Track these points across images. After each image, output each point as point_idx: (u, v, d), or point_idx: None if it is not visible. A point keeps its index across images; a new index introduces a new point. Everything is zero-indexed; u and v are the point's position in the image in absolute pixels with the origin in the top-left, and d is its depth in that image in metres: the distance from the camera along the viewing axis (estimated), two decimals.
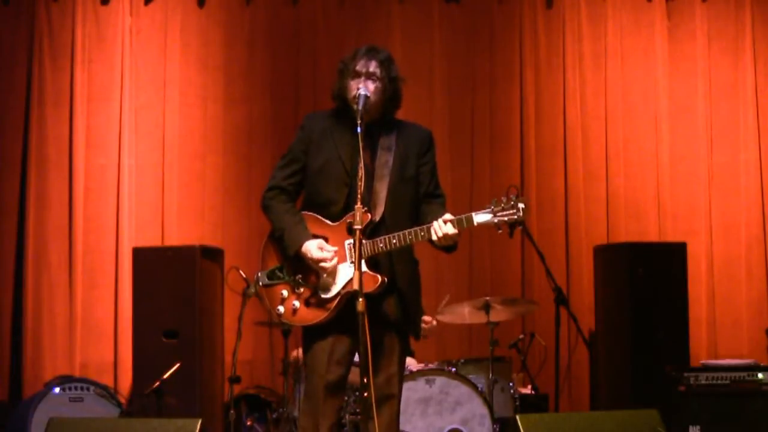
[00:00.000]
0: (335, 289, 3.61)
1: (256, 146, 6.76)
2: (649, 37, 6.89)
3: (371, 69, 3.66)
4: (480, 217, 3.52)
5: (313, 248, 3.59)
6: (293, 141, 3.80)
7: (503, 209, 3.50)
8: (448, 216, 3.53)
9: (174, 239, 6.52)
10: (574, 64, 6.86)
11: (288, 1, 6.88)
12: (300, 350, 5.07)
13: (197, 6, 6.82)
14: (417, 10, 6.92)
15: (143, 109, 6.71)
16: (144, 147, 6.69)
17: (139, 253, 5.85)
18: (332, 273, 3.61)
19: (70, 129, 6.63)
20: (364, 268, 3.54)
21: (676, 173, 6.81)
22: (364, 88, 3.61)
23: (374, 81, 3.66)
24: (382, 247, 3.57)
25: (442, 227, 3.50)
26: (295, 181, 3.76)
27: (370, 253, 3.57)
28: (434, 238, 3.52)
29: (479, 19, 6.92)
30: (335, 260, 3.60)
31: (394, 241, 3.56)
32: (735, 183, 6.79)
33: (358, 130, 3.52)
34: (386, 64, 3.70)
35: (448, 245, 3.57)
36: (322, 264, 3.59)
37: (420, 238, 3.56)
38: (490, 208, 3.52)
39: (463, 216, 3.53)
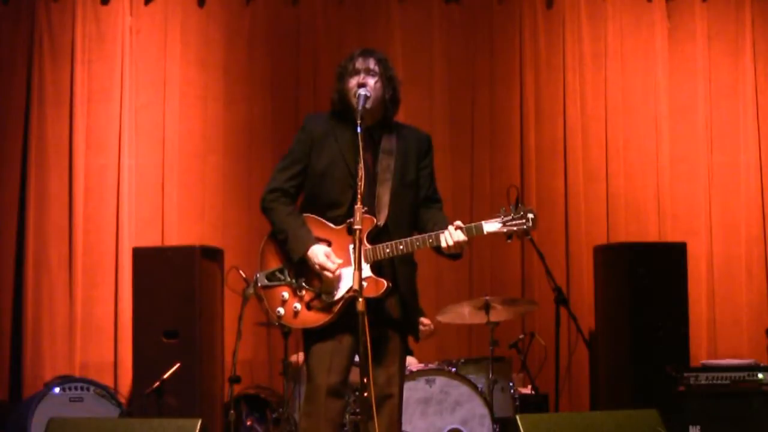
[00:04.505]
0: (339, 293, 3.61)
1: (256, 146, 6.76)
2: (649, 37, 6.89)
3: (371, 66, 3.68)
4: (489, 226, 3.54)
5: (320, 254, 3.59)
6: (294, 142, 3.79)
7: (513, 219, 3.52)
8: (458, 223, 3.54)
9: (174, 239, 6.52)
10: (574, 65, 6.86)
11: (288, 1, 6.88)
12: (300, 354, 5.07)
13: (197, 6, 6.82)
14: (417, 10, 6.91)
15: (143, 109, 6.71)
16: (144, 147, 6.69)
17: (139, 253, 5.85)
18: (336, 277, 3.60)
19: (70, 129, 6.63)
20: (368, 272, 3.56)
21: (676, 173, 6.81)
22: (364, 89, 3.62)
23: (373, 76, 3.67)
24: (388, 253, 3.57)
25: (453, 235, 3.50)
26: (297, 183, 3.75)
27: (375, 258, 3.58)
28: (444, 245, 3.53)
29: (479, 19, 6.92)
30: (339, 270, 3.60)
31: (401, 246, 3.56)
32: (735, 183, 6.80)
33: (359, 129, 3.52)
34: (384, 62, 3.72)
35: (454, 253, 3.58)
36: (326, 273, 3.59)
37: (427, 245, 3.57)
38: (499, 217, 3.53)
39: (473, 224, 3.54)
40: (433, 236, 3.56)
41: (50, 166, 6.62)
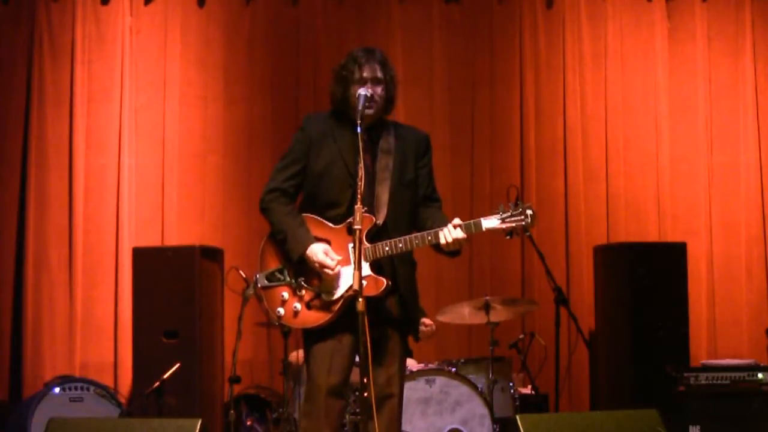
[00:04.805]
0: (339, 292, 3.61)
1: (256, 146, 6.76)
2: (649, 37, 6.89)
3: (378, 75, 3.67)
4: (488, 223, 3.53)
5: (319, 252, 3.59)
6: (293, 142, 3.79)
7: (511, 215, 3.51)
8: (457, 221, 3.54)
9: (174, 239, 6.52)
10: (574, 64, 6.86)
11: (288, 1, 6.88)
12: (300, 352, 5.07)
13: (197, 6, 6.81)
14: (417, 10, 6.91)
15: (143, 109, 6.71)
16: (144, 147, 6.69)
17: (139, 253, 5.85)
18: (336, 276, 3.61)
19: (70, 129, 6.63)
20: (368, 271, 3.56)
21: (676, 173, 6.81)
22: (364, 89, 3.62)
23: (380, 84, 3.67)
24: (387, 251, 3.57)
25: (452, 232, 3.51)
26: (296, 182, 3.75)
27: (374, 257, 3.58)
28: (443, 242, 3.52)
29: (479, 19, 6.92)
30: (339, 266, 3.60)
31: (401, 245, 3.56)
32: (735, 183, 6.80)
33: (358, 129, 3.52)
34: (386, 64, 3.72)
35: (453, 250, 3.58)
36: (326, 270, 3.59)
37: (427, 243, 3.57)
38: (498, 213, 3.52)
39: (471, 221, 3.54)
40: (432, 234, 3.56)
41: (50, 166, 6.62)
